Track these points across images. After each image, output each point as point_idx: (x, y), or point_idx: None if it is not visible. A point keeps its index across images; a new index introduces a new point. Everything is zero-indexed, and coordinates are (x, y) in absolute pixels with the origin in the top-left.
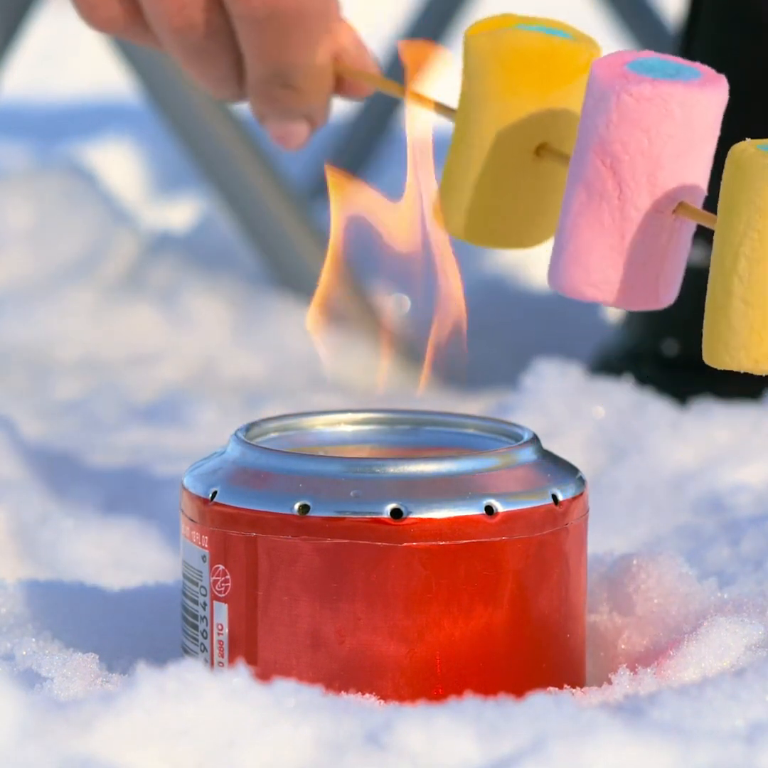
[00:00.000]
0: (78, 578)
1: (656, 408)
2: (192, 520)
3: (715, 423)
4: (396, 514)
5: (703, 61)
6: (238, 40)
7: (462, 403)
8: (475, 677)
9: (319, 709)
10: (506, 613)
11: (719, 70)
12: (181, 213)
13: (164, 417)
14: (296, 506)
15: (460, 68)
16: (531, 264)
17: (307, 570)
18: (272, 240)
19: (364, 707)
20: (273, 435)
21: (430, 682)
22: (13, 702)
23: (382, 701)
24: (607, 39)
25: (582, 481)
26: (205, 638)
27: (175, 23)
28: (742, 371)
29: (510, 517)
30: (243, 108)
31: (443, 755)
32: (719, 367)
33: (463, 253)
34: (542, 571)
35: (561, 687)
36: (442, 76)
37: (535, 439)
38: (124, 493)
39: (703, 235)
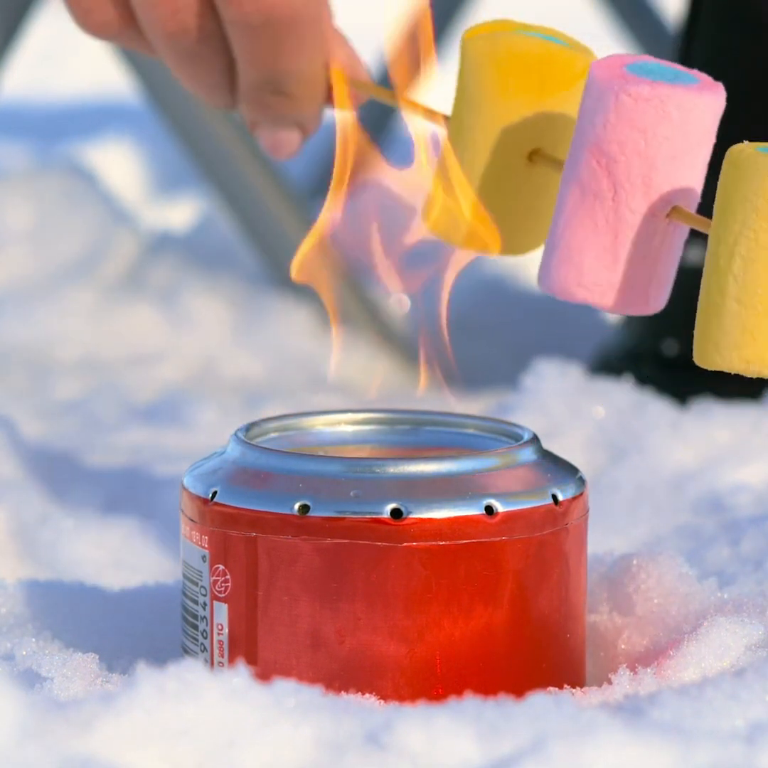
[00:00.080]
0: (78, 578)
1: (656, 408)
2: (192, 520)
3: (715, 423)
4: (396, 514)
5: (703, 61)
6: (230, 46)
7: (462, 403)
8: (475, 677)
9: (319, 709)
10: (506, 613)
11: (719, 69)
12: (181, 213)
13: (164, 417)
14: (296, 506)
15: (455, 71)
16: (531, 264)
17: (307, 570)
18: (272, 240)
19: (364, 707)
20: (273, 435)
21: (430, 682)
22: (13, 702)
23: (382, 701)
24: (607, 39)
25: (582, 481)
26: (205, 638)
27: (169, 28)
28: (732, 373)
29: (510, 517)
30: None
31: (443, 755)
32: (710, 368)
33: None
34: (542, 571)
35: (561, 687)
36: (435, 82)
37: (535, 439)
38: (124, 493)
39: (702, 236)
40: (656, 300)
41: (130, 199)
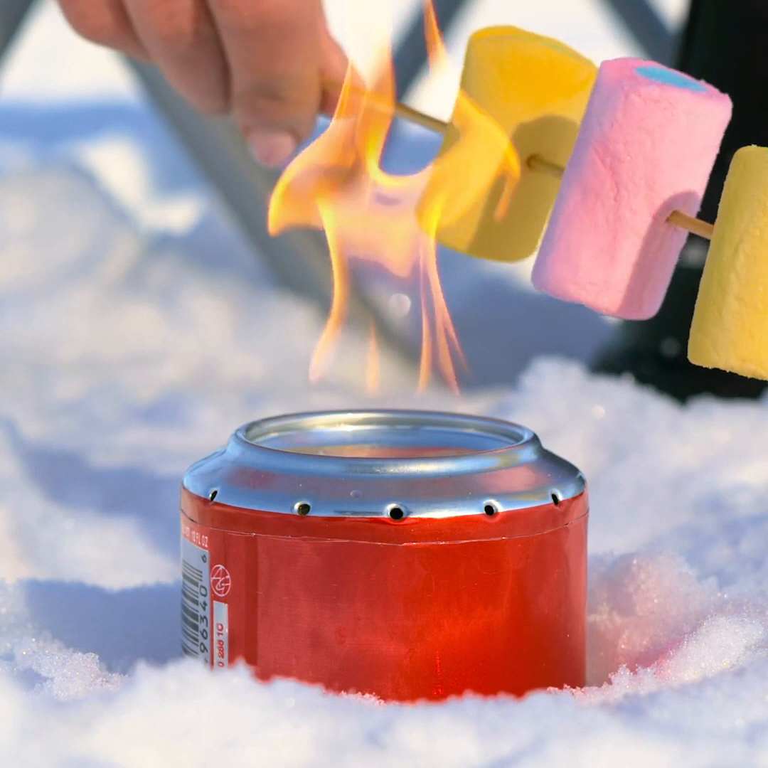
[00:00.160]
0: (78, 578)
1: (656, 408)
2: (192, 520)
3: (715, 423)
4: (396, 514)
5: (703, 61)
6: (225, 51)
7: (462, 403)
8: (475, 677)
9: (318, 709)
10: (506, 613)
11: (719, 69)
12: (181, 213)
13: (164, 417)
14: (296, 506)
15: (454, 72)
16: (531, 264)
17: (307, 570)
18: (272, 240)
19: (364, 707)
20: (273, 435)
21: (430, 682)
22: (13, 702)
23: (382, 701)
24: (607, 39)
25: (582, 481)
26: (205, 638)
27: (164, 32)
28: (727, 370)
29: (510, 517)
30: None
31: (443, 755)
32: (705, 365)
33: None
34: (542, 571)
35: (561, 687)
36: (434, 85)
37: (535, 439)
38: (124, 493)
39: (702, 237)
40: (650, 305)
41: (130, 199)
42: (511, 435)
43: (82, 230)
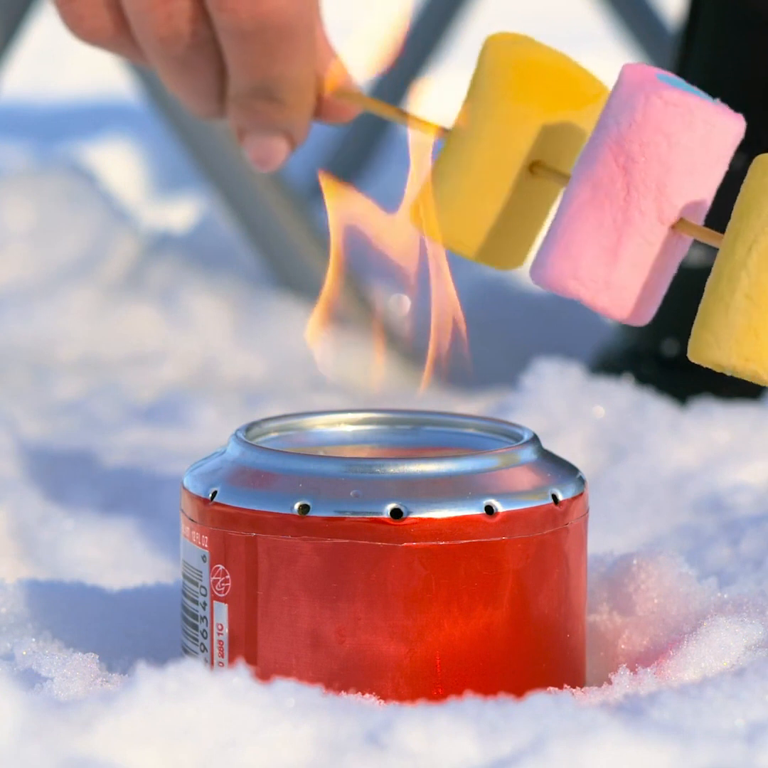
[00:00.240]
0: (78, 578)
1: (656, 408)
2: (192, 520)
3: (715, 423)
4: (396, 514)
5: (703, 61)
6: (222, 53)
7: (462, 403)
8: (475, 677)
9: (318, 709)
10: (506, 613)
11: (719, 69)
12: (181, 213)
13: (164, 417)
14: (296, 506)
15: (455, 75)
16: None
17: (307, 570)
18: (272, 240)
19: (364, 707)
20: (273, 435)
21: (430, 682)
22: (13, 702)
23: (382, 701)
24: (607, 39)
25: (582, 481)
26: (205, 638)
27: (161, 33)
28: (728, 369)
29: (510, 517)
30: None
31: (443, 755)
32: (705, 362)
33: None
34: (542, 571)
35: (561, 687)
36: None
37: (535, 439)
38: (124, 493)
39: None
40: (645, 311)
41: (130, 199)
42: (511, 435)
43: (82, 230)
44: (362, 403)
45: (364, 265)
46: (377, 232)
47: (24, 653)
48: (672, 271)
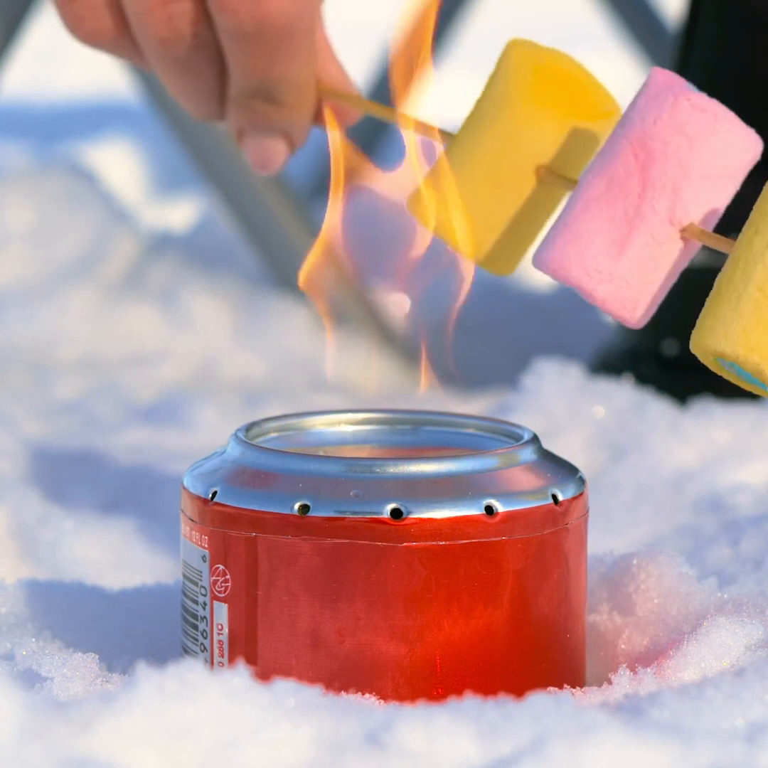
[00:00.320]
0: (78, 578)
1: (656, 408)
2: (192, 520)
3: (715, 423)
4: (396, 514)
5: (703, 61)
6: (223, 54)
7: (462, 403)
8: (475, 677)
9: (318, 709)
10: (506, 613)
11: (719, 70)
12: (181, 213)
13: (164, 417)
14: (296, 506)
15: (456, 76)
16: (522, 270)
17: (307, 570)
18: (272, 240)
19: (364, 707)
20: (273, 435)
21: (430, 682)
22: (13, 702)
23: (382, 701)
24: (607, 39)
25: (582, 481)
26: (205, 638)
27: (162, 34)
28: (730, 359)
29: (510, 517)
30: None
31: (443, 755)
32: (708, 351)
33: None
34: (542, 571)
35: (561, 687)
36: (430, 90)
37: (535, 439)
38: (124, 493)
39: None
40: (644, 313)
41: (130, 199)
42: (511, 435)
43: (82, 230)
44: (362, 403)
45: (364, 265)
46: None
47: (24, 653)
48: (674, 276)
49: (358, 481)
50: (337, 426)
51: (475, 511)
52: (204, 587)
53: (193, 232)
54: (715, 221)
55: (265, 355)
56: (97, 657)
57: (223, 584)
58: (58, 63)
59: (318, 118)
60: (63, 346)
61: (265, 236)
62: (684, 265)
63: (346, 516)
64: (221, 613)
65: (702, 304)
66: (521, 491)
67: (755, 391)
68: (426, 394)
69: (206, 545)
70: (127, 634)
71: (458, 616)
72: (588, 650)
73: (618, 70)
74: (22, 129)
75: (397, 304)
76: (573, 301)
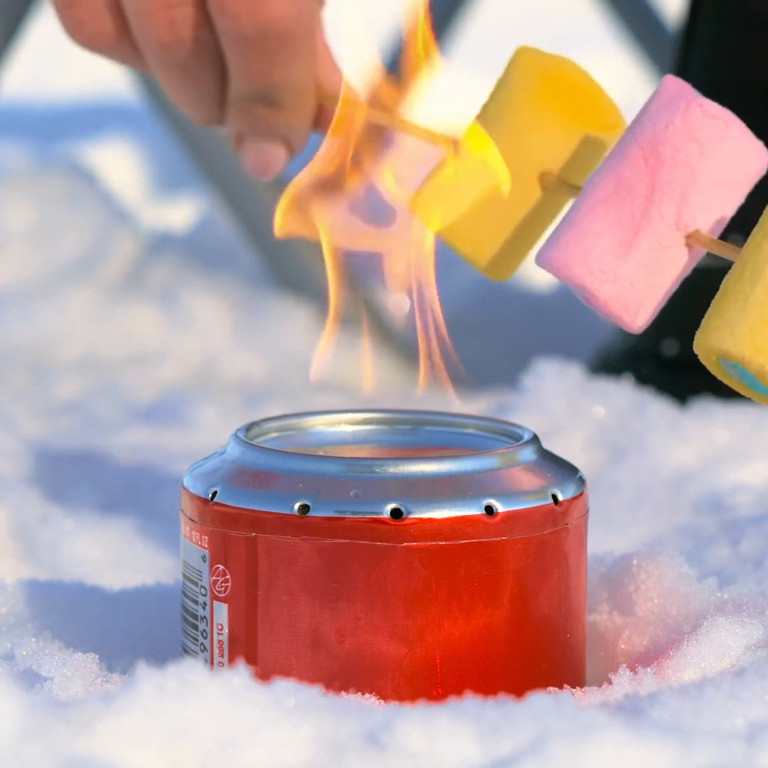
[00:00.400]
0: (78, 578)
1: (656, 408)
2: (192, 520)
3: (715, 423)
4: (396, 514)
5: (703, 62)
6: (224, 58)
7: (462, 403)
8: (475, 677)
9: (318, 709)
10: (506, 613)
11: (719, 70)
12: (181, 213)
13: (164, 417)
14: (296, 506)
15: (454, 77)
16: (531, 264)
17: (307, 570)
18: (272, 240)
19: (364, 707)
20: (273, 435)
21: (430, 682)
22: (13, 702)
23: (382, 701)
24: (607, 39)
25: (582, 481)
26: (205, 638)
27: (164, 39)
28: (735, 358)
29: (510, 517)
30: None
31: (443, 755)
32: (711, 351)
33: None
34: (542, 571)
35: (561, 687)
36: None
37: (535, 439)
38: (124, 493)
39: None
40: (643, 318)
41: (130, 199)
42: (511, 435)
43: (82, 230)
44: (362, 403)
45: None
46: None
47: (24, 653)
48: (675, 283)
49: (358, 481)
50: (337, 426)
51: (475, 511)
52: (204, 587)
53: (193, 232)
54: (720, 230)
55: (265, 355)
56: (97, 657)
57: (223, 584)
58: (58, 63)
59: (317, 123)
60: (63, 346)
61: (265, 236)
62: (687, 272)
63: (346, 516)
64: (221, 613)
65: (702, 305)
66: (521, 491)
67: (754, 398)
68: (426, 394)
69: (206, 545)
70: (127, 634)
71: (458, 616)
72: (588, 650)
73: (618, 70)
74: (22, 129)
75: (397, 304)
76: (573, 301)
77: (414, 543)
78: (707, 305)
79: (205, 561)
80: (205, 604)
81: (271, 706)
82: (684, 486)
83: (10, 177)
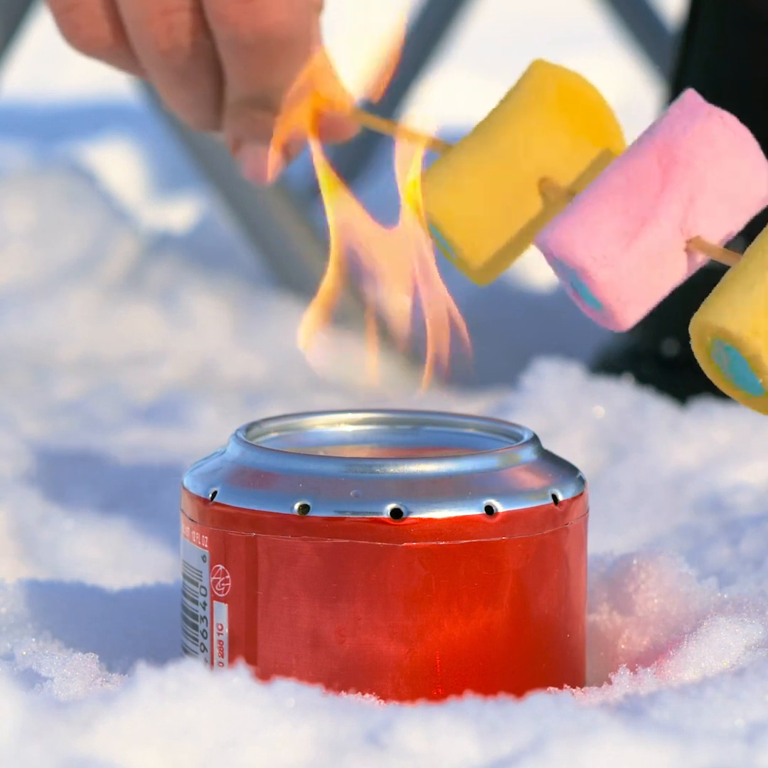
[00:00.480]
0: (78, 578)
1: (656, 408)
2: (192, 520)
3: (715, 423)
4: (396, 514)
5: (703, 62)
6: (221, 64)
7: (462, 403)
8: (475, 677)
9: (318, 709)
10: (506, 613)
11: (719, 71)
12: (181, 213)
13: (164, 417)
14: (296, 506)
15: (456, 77)
16: (531, 265)
17: (307, 570)
18: (272, 240)
19: (364, 707)
20: (273, 435)
21: (430, 682)
22: (13, 702)
23: (382, 701)
24: (607, 39)
25: (582, 481)
26: (205, 638)
27: (162, 45)
28: (733, 338)
29: (510, 517)
30: None
31: (443, 755)
32: (710, 327)
33: None
34: (542, 571)
35: (561, 687)
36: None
37: (535, 439)
38: (124, 493)
39: None
40: (633, 315)
41: (130, 199)
42: (511, 435)
43: (82, 230)
44: (362, 403)
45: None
46: (370, 242)
47: (24, 653)
48: (670, 287)
49: (358, 481)
50: (337, 426)
51: (475, 511)
52: (204, 587)
53: (193, 232)
54: (722, 242)
55: (265, 355)
56: (97, 657)
57: (223, 584)
58: (58, 63)
59: (316, 129)
60: (63, 346)
61: (265, 236)
62: (684, 276)
63: (346, 516)
64: (221, 613)
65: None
66: (521, 491)
67: (735, 396)
68: (426, 394)
69: (206, 545)
70: (127, 634)
71: (458, 616)
72: (588, 650)
73: (618, 70)
74: (22, 129)
75: (397, 304)
76: (573, 302)
77: (414, 543)
78: None
79: (205, 561)
80: (205, 604)
81: (271, 706)
82: (684, 486)
83: (10, 177)
